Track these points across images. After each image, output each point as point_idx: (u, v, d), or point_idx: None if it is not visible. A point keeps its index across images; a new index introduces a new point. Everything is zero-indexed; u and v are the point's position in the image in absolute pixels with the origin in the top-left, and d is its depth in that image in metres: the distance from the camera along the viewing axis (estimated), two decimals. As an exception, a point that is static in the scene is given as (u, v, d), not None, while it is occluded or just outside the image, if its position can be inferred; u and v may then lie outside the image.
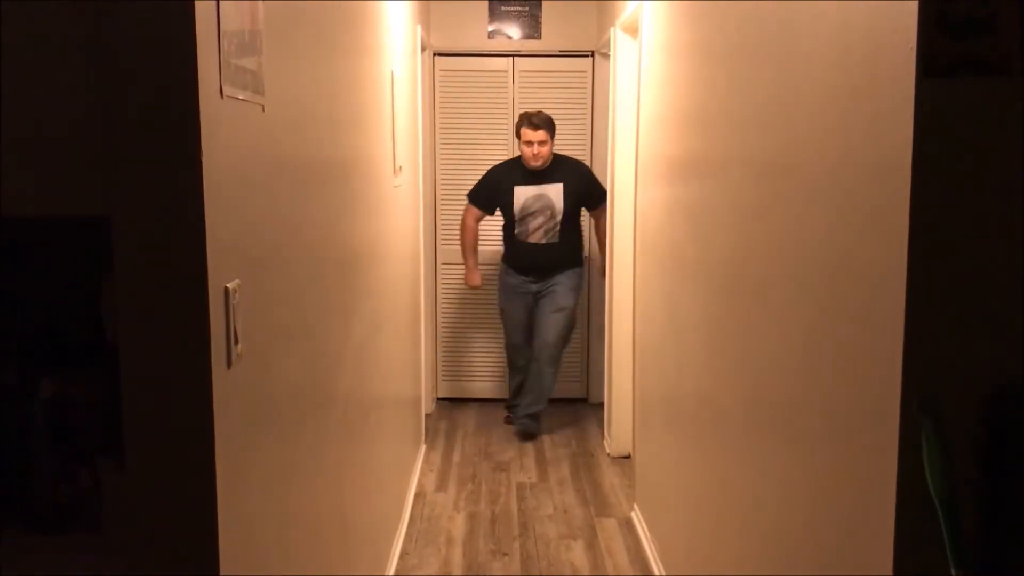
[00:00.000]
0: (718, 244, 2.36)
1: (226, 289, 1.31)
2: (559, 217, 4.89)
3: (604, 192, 4.86)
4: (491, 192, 4.99)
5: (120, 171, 1.19)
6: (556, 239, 4.90)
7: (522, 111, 4.99)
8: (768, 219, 1.92)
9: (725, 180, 2.30)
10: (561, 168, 4.92)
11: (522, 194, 4.89)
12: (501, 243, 5.11)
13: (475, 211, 5.03)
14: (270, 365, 1.59)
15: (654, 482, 3.47)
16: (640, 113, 3.68)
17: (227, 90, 1.31)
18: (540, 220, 4.89)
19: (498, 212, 5.05)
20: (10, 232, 1.21)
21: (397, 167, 3.59)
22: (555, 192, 4.87)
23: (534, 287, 4.98)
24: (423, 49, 4.98)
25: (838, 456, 1.54)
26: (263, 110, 1.52)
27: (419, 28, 4.61)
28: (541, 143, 4.79)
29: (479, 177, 5.11)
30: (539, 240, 4.90)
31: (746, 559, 2.10)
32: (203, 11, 1.21)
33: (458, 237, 5.21)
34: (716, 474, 2.43)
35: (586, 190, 4.95)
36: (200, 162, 1.20)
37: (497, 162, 5.19)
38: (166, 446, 1.24)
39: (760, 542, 2.00)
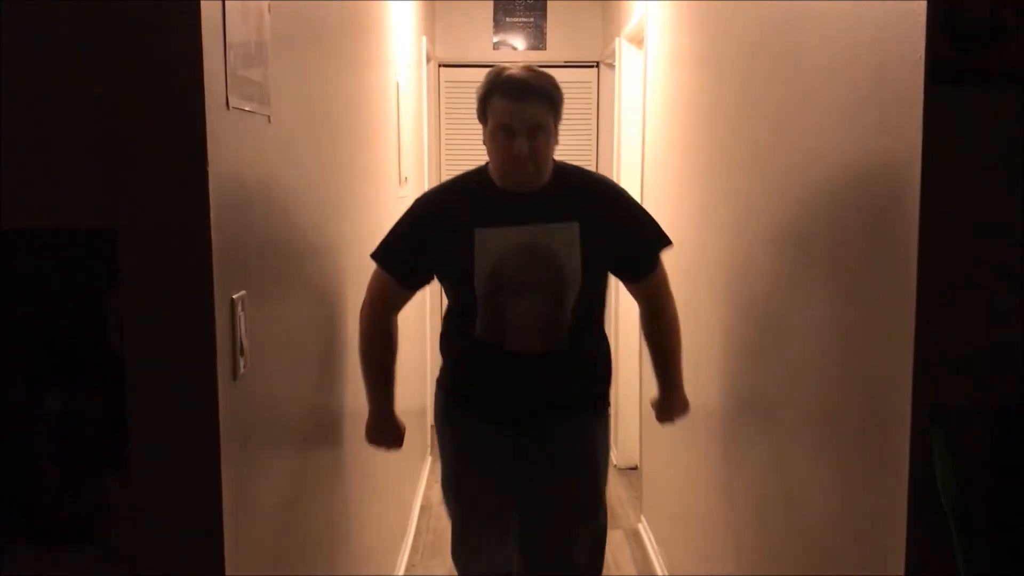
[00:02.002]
0: (726, 255, 2.36)
1: (232, 300, 1.30)
2: (572, 294, 2.20)
3: (665, 240, 2.35)
4: (423, 243, 2.26)
5: (126, 182, 1.19)
6: (565, 343, 2.22)
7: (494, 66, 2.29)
8: (776, 229, 1.91)
9: (732, 190, 2.29)
10: (573, 190, 2.26)
11: (493, 244, 2.18)
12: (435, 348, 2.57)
13: (388, 286, 2.30)
14: (276, 377, 1.58)
15: (661, 493, 3.45)
16: (646, 124, 3.68)
17: (233, 101, 1.31)
18: (529, 302, 2.19)
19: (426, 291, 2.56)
20: (16, 244, 1.21)
21: (403, 178, 3.60)
22: (563, 240, 2.19)
23: (523, 437, 2.32)
24: (428, 60, 4.99)
25: (848, 469, 1.53)
26: (269, 121, 1.52)
27: (424, 39, 4.62)
28: (535, 131, 2.15)
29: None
30: (531, 346, 2.21)
31: (755, 571, 2.09)
32: (209, 23, 1.21)
33: None
34: (724, 485, 2.41)
35: (627, 236, 2.29)
36: (206, 173, 1.20)
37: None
38: (171, 459, 1.24)
39: (769, 554, 1.99)
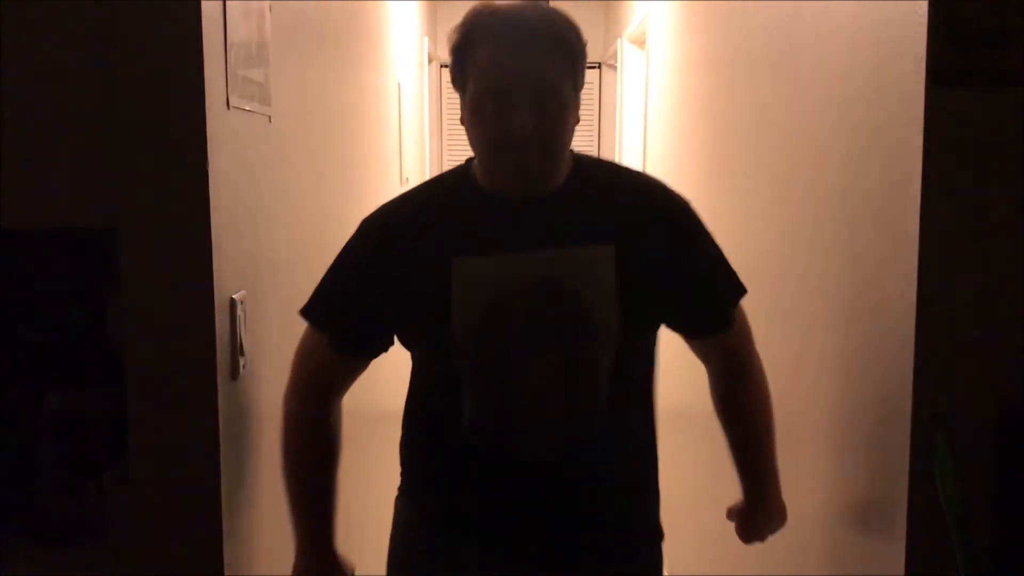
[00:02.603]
0: (730, 256, 2.35)
1: (232, 300, 1.30)
2: (606, 356, 1.36)
3: (738, 288, 1.57)
4: (377, 288, 1.42)
5: (127, 182, 1.19)
6: (597, 436, 1.39)
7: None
8: (779, 231, 1.91)
9: (734, 191, 2.29)
10: (602, 196, 1.42)
11: (482, 281, 1.35)
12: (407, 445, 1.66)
13: (328, 357, 1.47)
14: (276, 377, 1.58)
15: (663, 498, 3.44)
16: (648, 125, 3.68)
17: (234, 101, 1.31)
18: (540, 372, 1.35)
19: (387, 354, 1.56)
20: (16, 244, 1.21)
21: (404, 178, 3.60)
22: (591, 272, 1.35)
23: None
24: (430, 61, 4.99)
25: (849, 472, 1.52)
26: (270, 121, 1.52)
27: (426, 40, 4.63)
28: (542, 98, 1.29)
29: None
30: (546, 442, 1.37)
31: (755, 571, 2.09)
32: (210, 22, 1.21)
33: None
34: (727, 491, 2.41)
35: (690, 268, 1.46)
36: (206, 173, 1.20)
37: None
38: (171, 459, 1.24)
39: (772, 559, 1.99)
